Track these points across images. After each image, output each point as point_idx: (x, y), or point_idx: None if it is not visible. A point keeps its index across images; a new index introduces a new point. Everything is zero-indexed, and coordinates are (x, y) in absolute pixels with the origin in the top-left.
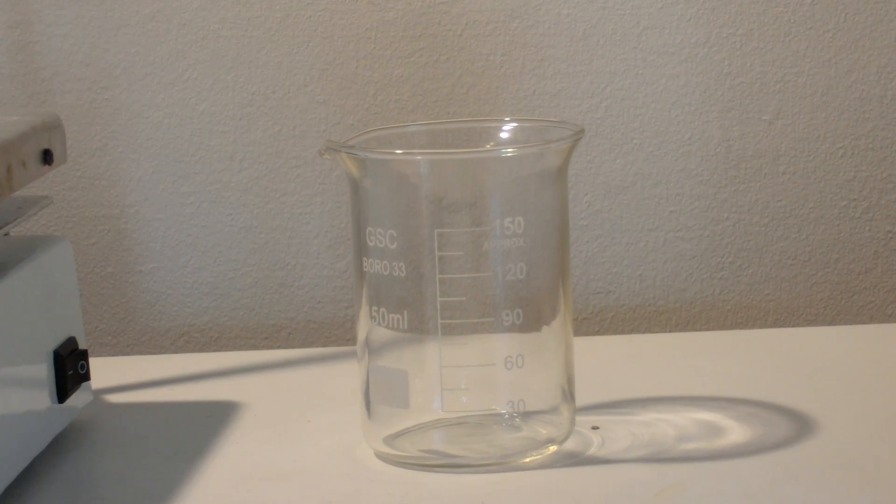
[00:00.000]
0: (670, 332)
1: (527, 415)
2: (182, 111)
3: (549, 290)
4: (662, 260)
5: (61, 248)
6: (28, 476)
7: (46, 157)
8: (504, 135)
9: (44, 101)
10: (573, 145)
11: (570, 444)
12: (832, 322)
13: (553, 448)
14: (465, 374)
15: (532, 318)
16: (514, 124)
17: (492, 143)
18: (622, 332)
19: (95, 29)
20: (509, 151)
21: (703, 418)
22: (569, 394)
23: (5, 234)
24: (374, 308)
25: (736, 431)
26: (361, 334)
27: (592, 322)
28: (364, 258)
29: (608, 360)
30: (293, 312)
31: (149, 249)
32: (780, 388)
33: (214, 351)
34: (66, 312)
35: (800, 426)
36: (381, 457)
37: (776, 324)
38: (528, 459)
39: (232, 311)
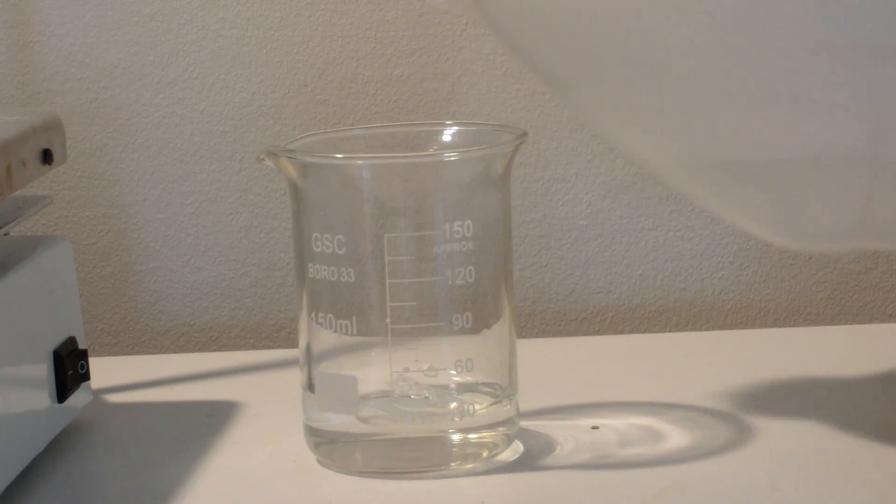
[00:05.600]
0: (670, 332)
1: (476, 418)
2: (182, 111)
3: (495, 294)
4: (662, 260)
5: (61, 248)
6: (28, 476)
7: (46, 156)
8: (447, 138)
9: (44, 100)
10: (515, 150)
11: (569, 445)
12: (832, 322)
13: (500, 453)
14: (416, 378)
15: (480, 322)
16: (456, 129)
17: (435, 147)
18: (622, 332)
19: (95, 29)
20: (450, 156)
21: (702, 418)
22: (514, 396)
23: (5, 234)
24: (321, 314)
25: (735, 431)
26: (303, 341)
27: (592, 322)
28: (310, 264)
29: (608, 360)
30: (293, 312)
31: (149, 249)
32: (780, 388)
33: (214, 351)
34: (66, 312)
35: (800, 426)
36: (326, 465)
37: (776, 324)
38: (470, 465)
39: (232, 311)
